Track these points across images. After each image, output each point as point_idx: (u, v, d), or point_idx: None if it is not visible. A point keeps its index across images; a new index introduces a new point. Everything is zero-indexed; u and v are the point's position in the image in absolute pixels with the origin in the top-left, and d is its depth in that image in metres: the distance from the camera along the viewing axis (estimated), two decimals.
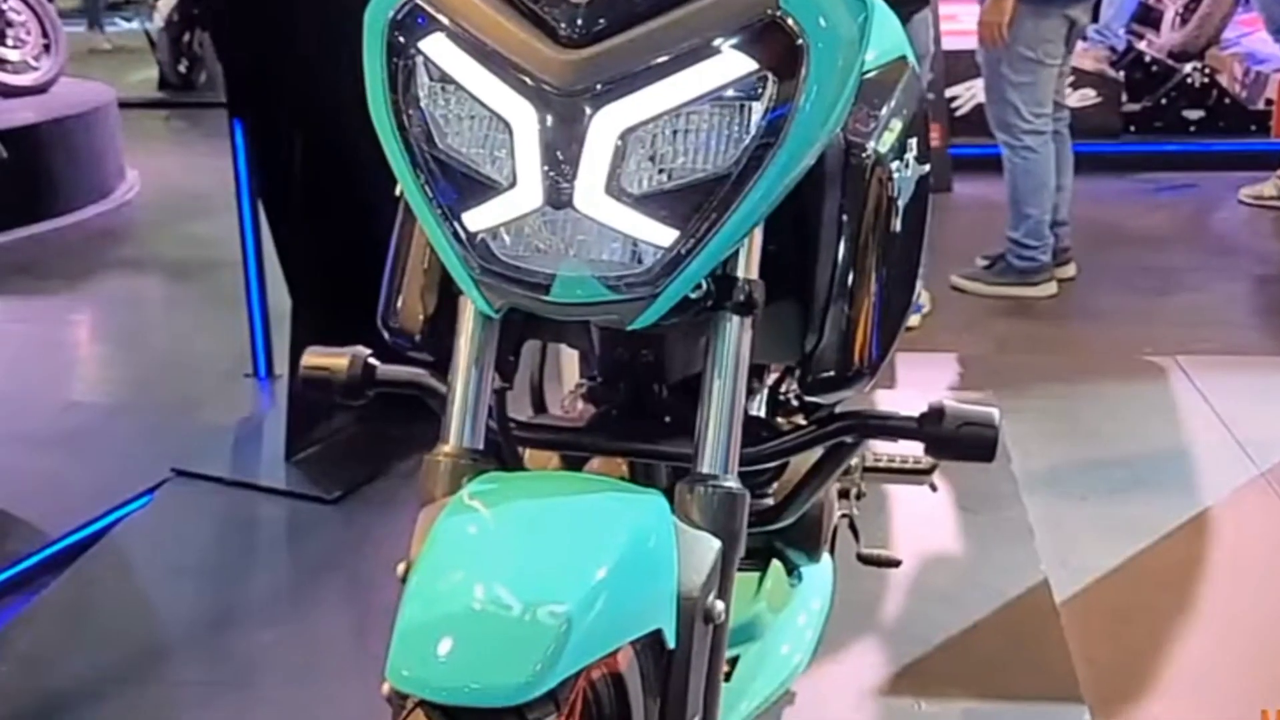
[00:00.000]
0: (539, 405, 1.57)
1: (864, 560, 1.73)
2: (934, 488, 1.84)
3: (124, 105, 6.11)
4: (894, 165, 1.16)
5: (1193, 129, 5.85)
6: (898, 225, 1.16)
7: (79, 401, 3.57)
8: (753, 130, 0.95)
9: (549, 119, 0.96)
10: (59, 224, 5.15)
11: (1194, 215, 5.08)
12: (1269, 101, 5.77)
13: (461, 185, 1.00)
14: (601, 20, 0.96)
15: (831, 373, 1.14)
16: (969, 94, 5.49)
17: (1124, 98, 5.82)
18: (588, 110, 0.95)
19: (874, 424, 1.22)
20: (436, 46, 1.00)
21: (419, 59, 1.01)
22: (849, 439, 1.23)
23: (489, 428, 1.11)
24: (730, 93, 0.95)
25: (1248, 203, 5.12)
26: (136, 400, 3.52)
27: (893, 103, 1.18)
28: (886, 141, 1.16)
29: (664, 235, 0.96)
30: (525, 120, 0.96)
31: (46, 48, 5.86)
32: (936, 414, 1.20)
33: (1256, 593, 2.41)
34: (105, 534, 2.65)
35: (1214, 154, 5.63)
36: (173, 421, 3.26)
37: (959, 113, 5.56)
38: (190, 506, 2.78)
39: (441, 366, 1.18)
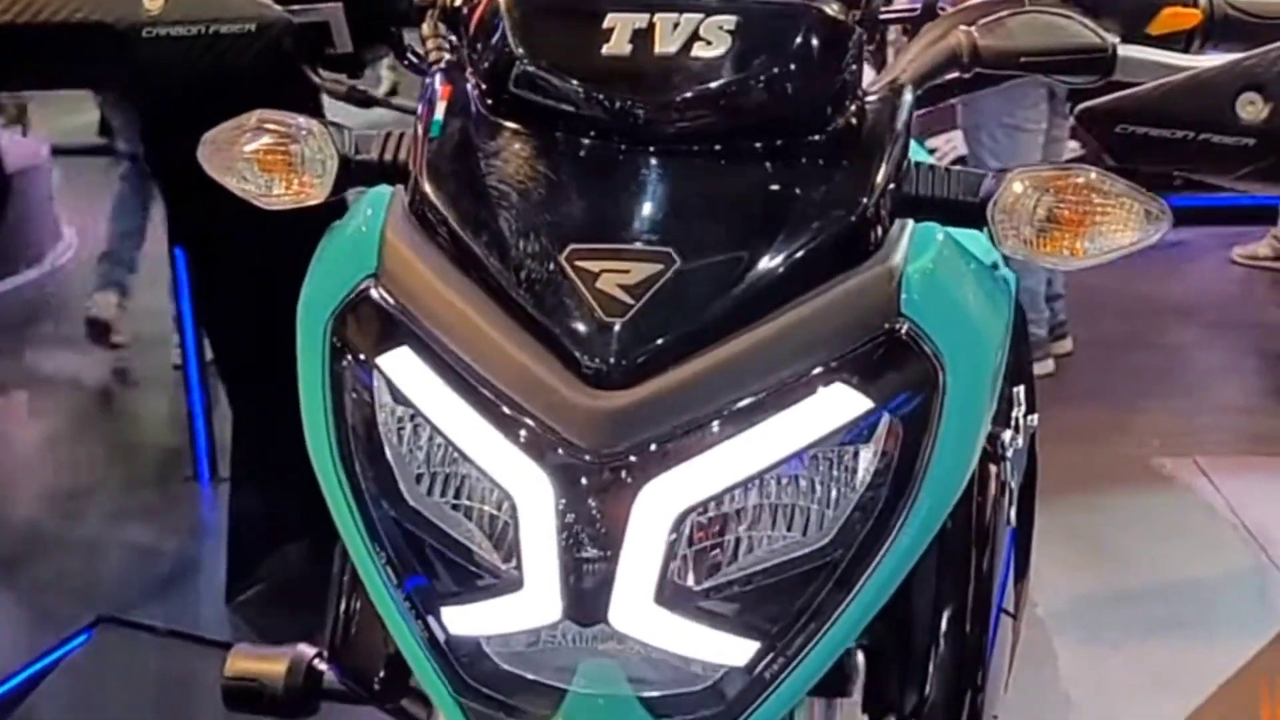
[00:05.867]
0: None
1: None
2: None
3: (62, 152, 5.76)
4: (1005, 436, 0.88)
5: (1177, 183, 5.64)
6: (1012, 517, 0.89)
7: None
8: (858, 488, 0.66)
9: (572, 495, 0.65)
10: None
11: (1187, 278, 4.84)
12: None
13: (439, 568, 0.70)
14: (648, 346, 0.66)
15: None
16: (949, 146, 5.24)
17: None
18: (629, 483, 0.65)
19: None
20: (402, 367, 0.68)
21: (376, 376, 0.70)
22: None
23: None
24: (833, 439, 0.65)
25: (1242, 263, 4.93)
26: (62, 517, 3.15)
27: None
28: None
29: (739, 650, 0.66)
30: (536, 496, 0.65)
31: None
32: None
33: None
34: (16, 705, 2.32)
35: (1201, 209, 5.42)
36: (103, 544, 2.93)
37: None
38: (116, 666, 2.45)
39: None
